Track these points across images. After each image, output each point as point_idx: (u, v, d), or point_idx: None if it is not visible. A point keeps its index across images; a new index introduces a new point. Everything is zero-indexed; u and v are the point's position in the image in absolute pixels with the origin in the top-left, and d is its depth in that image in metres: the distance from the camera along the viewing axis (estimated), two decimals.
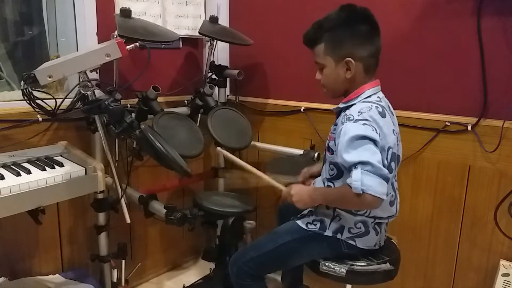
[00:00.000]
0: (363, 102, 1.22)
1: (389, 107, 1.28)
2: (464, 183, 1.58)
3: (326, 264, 1.30)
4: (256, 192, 2.25)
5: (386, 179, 1.08)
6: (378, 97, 1.25)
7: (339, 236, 1.29)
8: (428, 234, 1.69)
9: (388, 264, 1.30)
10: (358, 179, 1.06)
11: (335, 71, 1.25)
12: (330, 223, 1.29)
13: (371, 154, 1.09)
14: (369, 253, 1.32)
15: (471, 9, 1.46)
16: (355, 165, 1.09)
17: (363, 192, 1.06)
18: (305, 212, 1.38)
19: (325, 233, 1.30)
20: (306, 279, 1.79)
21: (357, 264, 1.29)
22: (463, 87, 1.53)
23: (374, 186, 1.06)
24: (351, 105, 1.23)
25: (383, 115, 1.19)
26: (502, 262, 1.48)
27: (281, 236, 1.36)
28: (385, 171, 1.08)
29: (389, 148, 1.19)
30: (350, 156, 1.10)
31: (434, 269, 1.70)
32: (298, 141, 1.99)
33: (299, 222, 1.35)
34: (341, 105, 1.28)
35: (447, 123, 1.57)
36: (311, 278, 1.67)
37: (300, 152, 1.85)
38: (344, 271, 1.28)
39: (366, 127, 1.12)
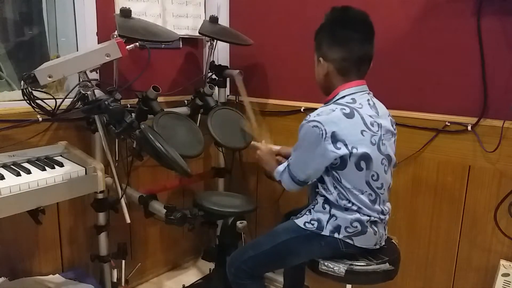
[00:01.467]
0: (334, 103, 1.27)
1: (371, 107, 1.28)
2: (464, 183, 1.58)
3: (326, 263, 1.30)
4: (256, 192, 2.25)
5: (297, 183, 1.32)
6: (352, 98, 1.26)
7: (336, 235, 1.29)
8: (428, 234, 1.69)
9: (387, 264, 1.30)
10: (279, 171, 1.38)
11: (317, 68, 1.35)
12: (327, 222, 1.30)
13: (299, 158, 1.31)
14: (369, 253, 1.32)
15: (471, 9, 1.46)
16: (289, 160, 1.35)
17: (280, 181, 1.39)
18: (303, 211, 1.39)
19: (323, 233, 1.30)
20: (307, 279, 1.79)
21: (356, 264, 1.29)
22: (463, 87, 1.53)
23: (285, 181, 1.36)
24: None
25: (349, 116, 1.21)
26: (502, 262, 1.48)
27: (279, 235, 1.37)
28: (299, 177, 1.31)
29: (352, 148, 1.20)
30: (293, 150, 1.34)
31: (434, 269, 1.70)
32: None
33: (297, 221, 1.36)
34: (321, 106, 1.32)
35: (447, 123, 1.57)
36: (311, 278, 1.67)
37: None
38: (344, 271, 1.28)
39: (315, 129, 1.20)
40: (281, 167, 1.38)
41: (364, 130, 1.23)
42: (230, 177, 2.26)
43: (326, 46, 1.29)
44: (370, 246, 1.32)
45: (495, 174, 1.50)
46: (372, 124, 1.25)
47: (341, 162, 1.22)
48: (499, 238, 1.51)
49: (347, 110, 1.22)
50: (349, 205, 1.27)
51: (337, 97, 1.28)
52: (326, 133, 1.19)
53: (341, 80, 1.29)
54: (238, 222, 1.84)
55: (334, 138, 1.20)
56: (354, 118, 1.22)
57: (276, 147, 1.64)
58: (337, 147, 1.20)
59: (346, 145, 1.20)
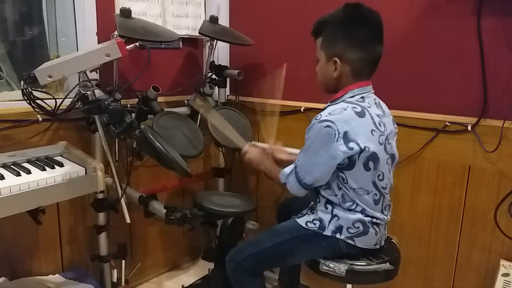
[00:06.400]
0: (344, 102, 1.24)
1: (378, 106, 1.28)
2: (464, 183, 1.58)
3: (326, 263, 1.30)
4: (256, 192, 2.25)
5: (303, 186, 1.28)
6: (361, 97, 1.25)
7: (338, 235, 1.29)
8: (428, 234, 1.69)
9: (388, 264, 1.30)
10: (285, 174, 1.32)
11: (325, 67, 1.29)
12: (329, 222, 1.30)
13: (307, 160, 1.25)
14: (369, 252, 1.32)
15: (471, 9, 1.46)
16: (296, 162, 1.29)
17: (285, 184, 1.32)
18: (304, 211, 1.39)
19: (324, 233, 1.30)
20: (306, 279, 1.79)
21: (357, 264, 1.29)
22: (463, 87, 1.53)
23: (291, 185, 1.31)
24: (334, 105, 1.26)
25: (361, 115, 1.20)
26: (502, 262, 1.48)
27: (280, 234, 1.37)
28: (306, 180, 1.26)
29: (365, 147, 1.19)
30: (300, 153, 1.28)
31: (434, 269, 1.70)
32: (298, 141, 1.97)
33: (299, 221, 1.36)
34: (327, 104, 1.30)
35: (447, 123, 1.57)
36: (311, 278, 1.67)
37: None
38: (344, 270, 1.28)
39: (327, 129, 1.16)
40: (287, 169, 1.32)
41: (374, 130, 1.22)
42: (230, 177, 2.26)
43: (342, 46, 1.23)
44: (370, 246, 1.32)
45: (495, 174, 1.50)
46: (379, 124, 1.24)
47: (349, 163, 1.21)
48: (499, 238, 1.51)
49: (359, 109, 1.20)
50: (353, 206, 1.26)
51: (346, 96, 1.26)
52: (338, 133, 1.16)
53: (352, 81, 1.26)
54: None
55: (347, 138, 1.17)
56: (365, 117, 1.21)
57: (280, 148, 1.60)
58: (349, 147, 1.17)
59: (358, 144, 1.18)
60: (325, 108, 1.27)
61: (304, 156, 1.26)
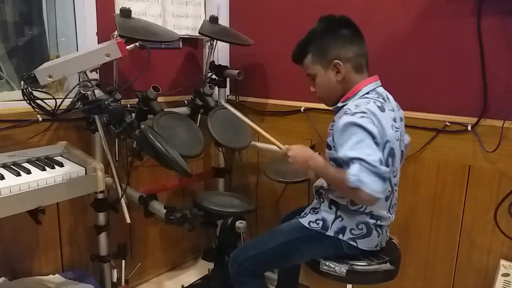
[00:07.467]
0: (361, 98, 1.23)
1: (389, 102, 1.28)
2: (464, 183, 1.58)
3: (327, 263, 1.30)
4: (256, 192, 2.25)
5: (383, 178, 1.08)
6: (376, 93, 1.25)
7: (340, 236, 1.29)
8: (428, 234, 1.69)
9: (388, 264, 1.31)
10: (355, 173, 1.07)
11: (326, 77, 1.28)
12: (332, 223, 1.30)
13: (369, 151, 1.09)
14: (370, 253, 1.33)
15: (471, 9, 1.46)
16: (352, 160, 1.09)
17: (359, 187, 1.07)
18: (307, 210, 1.39)
19: (327, 233, 1.30)
20: (307, 279, 1.79)
21: (358, 264, 1.29)
22: (463, 87, 1.53)
23: (370, 183, 1.06)
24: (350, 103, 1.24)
25: (382, 109, 1.20)
26: (502, 262, 1.48)
27: (283, 234, 1.37)
28: (383, 169, 1.08)
29: (387, 141, 1.19)
30: (349, 150, 1.10)
31: (434, 269, 1.70)
32: (298, 141, 1.97)
33: (302, 221, 1.36)
34: (339, 104, 1.28)
35: (447, 123, 1.57)
36: (311, 278, 1.67)
37: None
38: (344, 271, 1.28)
39: (364, 119, 1.13)
40: (353, 169, 1.07)
41: (393, 125, 1.22)
42: (230, 177, 2.26)
43: (336, 47, 1.25)
44: (372, 248, 1.32)
45: (495, 174, 1.50)
46: (395, 120, 1.25)
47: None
48: (499, 238, 1.51)
49: (379, 104, 1.20)
50: (362, 208, 1.26)
51: (360, 93, 1.25)
52: (373, 121, 1.14)
53: (358, 77, 1.27)
54: (237, 222, 1.84)
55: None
56: (385, 112, 1.21)
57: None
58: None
59: (381, 139, 1.16)
60: (344, 105, 1.24)
61: (358, 146, 1.10)
